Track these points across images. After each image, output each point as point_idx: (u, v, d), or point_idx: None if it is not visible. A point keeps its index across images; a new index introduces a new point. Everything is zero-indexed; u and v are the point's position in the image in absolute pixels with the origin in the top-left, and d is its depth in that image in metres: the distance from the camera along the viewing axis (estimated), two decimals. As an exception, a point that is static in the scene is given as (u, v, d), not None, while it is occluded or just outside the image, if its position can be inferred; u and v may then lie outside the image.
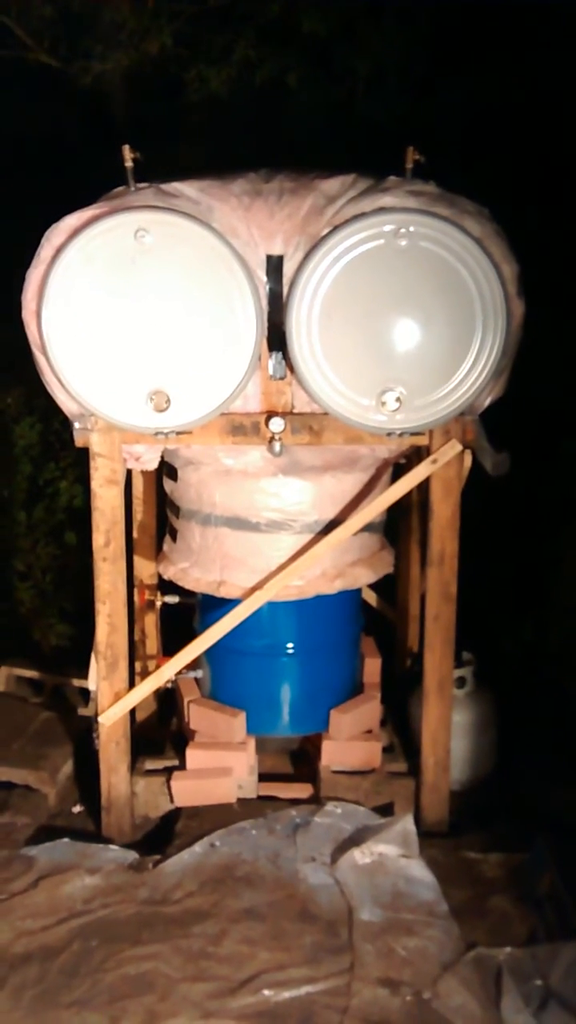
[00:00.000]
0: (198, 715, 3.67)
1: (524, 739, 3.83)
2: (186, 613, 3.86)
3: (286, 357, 3.13)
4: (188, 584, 3.60)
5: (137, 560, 3.92)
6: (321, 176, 3.10)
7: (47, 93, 4.84)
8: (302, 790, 3.62)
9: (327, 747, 3.61)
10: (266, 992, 2.68)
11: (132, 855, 3.25)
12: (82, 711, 4.09)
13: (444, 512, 3.30)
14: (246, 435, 3.22)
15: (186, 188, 3.08)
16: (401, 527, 4.04)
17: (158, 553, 3.86)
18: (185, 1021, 2.60)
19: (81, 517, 4.18)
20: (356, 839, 3.21)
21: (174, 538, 3.69)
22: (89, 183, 3.22)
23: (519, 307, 3.10)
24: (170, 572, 3.67)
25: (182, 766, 3.59)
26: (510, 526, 4.29)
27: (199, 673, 3.73)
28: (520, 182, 3.97)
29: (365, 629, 3.91)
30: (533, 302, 3.13)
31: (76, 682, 4.14)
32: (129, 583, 3.50)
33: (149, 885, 3.10)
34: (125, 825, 3.50)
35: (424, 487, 3.36)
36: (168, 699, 4.02)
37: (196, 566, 3.58)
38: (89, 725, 3.65)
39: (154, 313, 3.04)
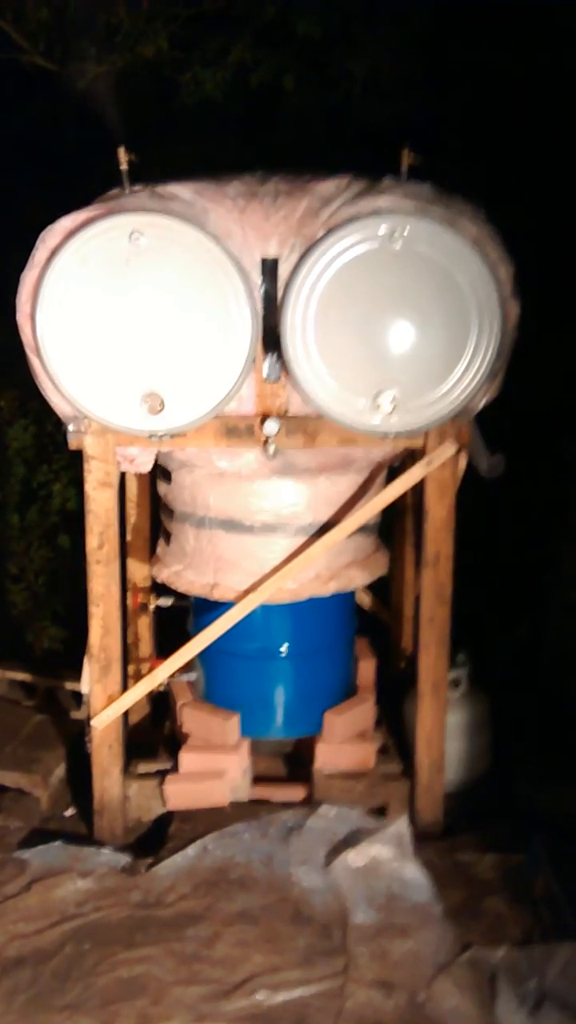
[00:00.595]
0: (191, 718, 3.66)
1: (519, 740, 3.83)
2: (180, 616, 3.85)
3: (281, 359, 3.13)
4: (182, 587, 3.60)
5: (131, 563, 3.91)
6: (316, 178, 3.11)
7: (42, 96, 4.84)
8: (296, 793, 3.61)
9: (321, 749, 3.60)
10: (260, 995, 2.67)
11: (125, 858, 3.24)
12: (75, 714, 4.08)
13: (439, 514, 3.30)
14: (240, 437, 3.22)
15: (181, 190, 3.08)
16: (396, 529, 4.04)
17: (152, 556, 3.85)
18: (178, 1024, 2.59)
19: (75, 520, 4.18)
20: (350, 841, 3.20)
21: (168, 541, 3.69)
22: (84, 185, 3.22)
23: (514, 308, 3.11)
24: (164, 575, 3.66)
25: (175, 769, 3.59)
26: (504, 528, 4.30)
27: (192, 676, 3.72)
28: (516, 184, 3.98)
29: (359, 631, 3.91)
30: (528, 304, 3.14)
31: (69, 685, 4.13)
32: (122, 586, 3.49)
33: (142, 888, 3.09)
34: (118, 828, 3.49)
35: (419, 489, 3.36)
36: (161, 702, 4.01)
37: (190, 569, 3.58)
38: (82, 728, 3.64)
39: (148, 315, 3.04)
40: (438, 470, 3.26)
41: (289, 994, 2.67)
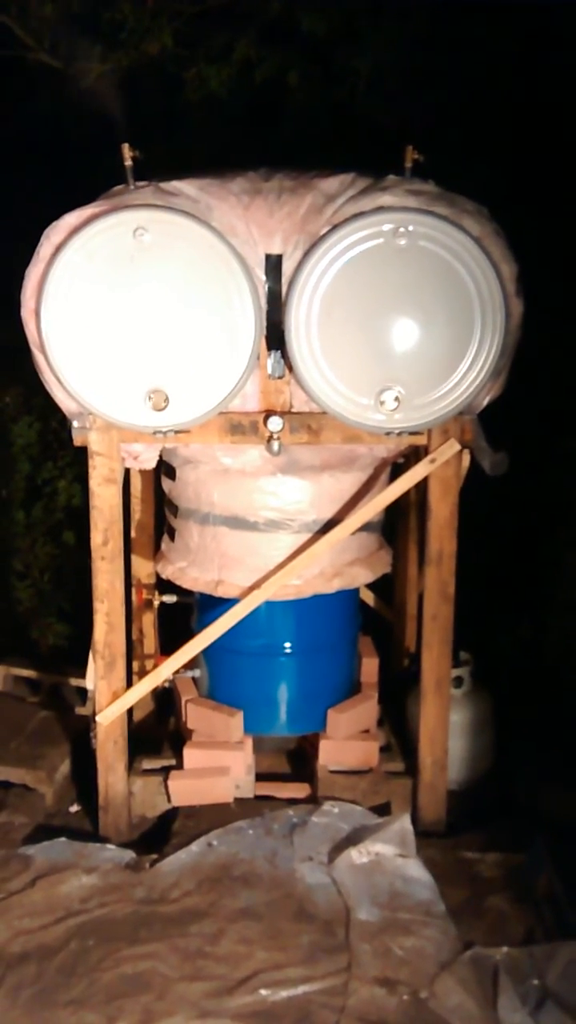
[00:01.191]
0: (195, 714, 3.67)
1: (522, 739, 3.83)
2: (184, 612, 3.86)
3: (285, 356, 3.13)
4: (186, 583, 3.60)
5: (135, 559, 3.92)
6: (320, 175, 3.11)
7: (47, 93, 4.84)
8: (299, 790, 3.62)
9: (324, 747, 3.61)
10: (263, 991, 2.68)
11: (129, 854, 3.25)
12: (80, 710, 4.08)
13: (442, 511, 3.30)
14: (244, 434, 3.22)
15: (185, 187, 3.08)
16: (399, 527, 4.04)
17: (156, 552, 3.86)
18: (182, 1020, 2.59)
19: (79, 516, 4.18)
20: (353, 839, 3.21)
21: (172, 537, 3.69)
22: (89, 182, 3.22)
23: (518, 306, 3.10)
24: (168, 571, 3.66)
25: (179, 765, 3.59)
26: (508, 525, 4.29)
27: (197, 672, 3.73)
28: (520, 181, 3.97)
29: (363, 628, 3.91)
30: (532, 302, 3.13)
31: (74, 681, 4.14)
32: (127, 582, 3.50)
33: (146, 884, 3.09)
34: (122, 824, 3.50)
35: (422, 486, 3.36)
36: (166, 698, 4.02)
37: (194, 565, 3.58)
38: (87, 724, 3.64)
39: (153, 311, 3.04)
40: (442, 468, 3.25)
41: (292, 991, 2.68)
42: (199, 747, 3.59)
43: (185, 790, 3.53)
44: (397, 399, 3.10)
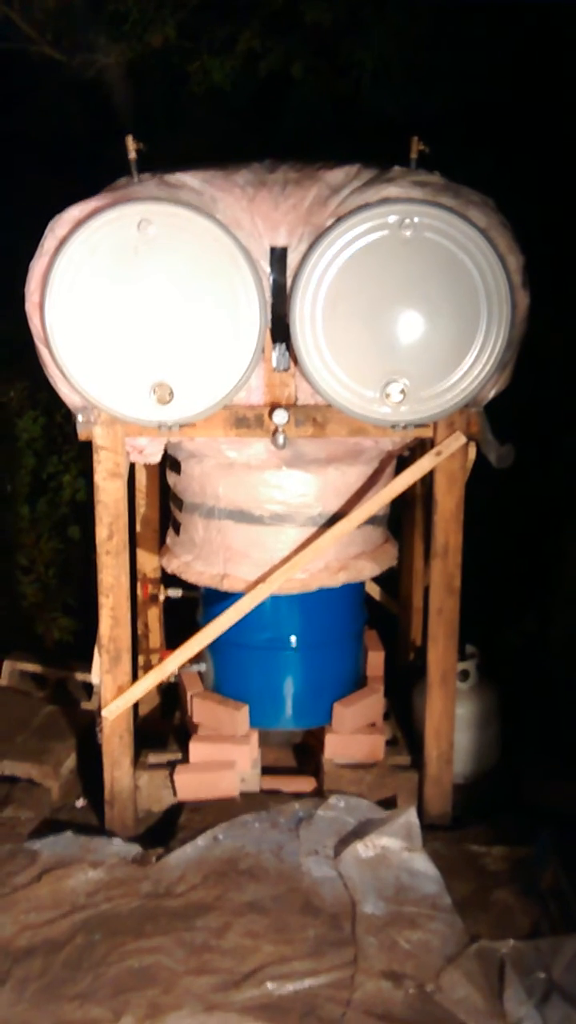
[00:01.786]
0: (201, 709, 3.67)
1: (528, 732, 3.82)
2: (189, 607, 3.85)
3: (290, 349, 3.12)
4: (191, 577, 3.60)
5: (140, 554, 3.91)
6: (325, 166, 3.09)
7: (50, 86, 4.83)
8: (305, 783, 3.62)
9: (330, 740, 3.60)
10: (269, 985, 2.68)
11: (135, 848, 3.25)
12: (85, 705, 4.09)
13: (448, 504, 3.29)
14: (249, 427, 3.21)
15: (189, 179, 3.07)
16: (405, 520, 4.03)
17: (161, 546, 3.85)
18: (188, 1014, 2.59)
19: (84, 511, 4.18)
20: (359, 832, 3.21)
21: (177, 531, 3.69)
22: (93, 175, 3.22)
23: (524, 298, 3.09)
24: (173, 565, 3.66)
25: (185, 760, 3.59)
26: (514, 519, 4.28)
27: (202, 667, 3.73)
28: (525, 173, 3.95)
29: (368, 622, 3.90)
30: (538, 294, 3.12)
31: (79, 676, 4.14)
32: (132, 577, 3.49)
33: (152, 878, 3.09)
34: (128, 819, 3.50)
35: (428, 479, 3.35)
36: (171, 693, 4.02)
37: (199, 559, 3.57)
38: (92, 719, 3.64)
39: (157, 305, 3.03)
40: (447, 461, 3.24)
41: (299, 984, 2.68)
42: (205, 741, 3.59)
43: (191, 784, 3.53)
44: (403, 392, 3.09)
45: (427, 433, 3.24)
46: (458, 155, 3.19)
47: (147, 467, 3.81)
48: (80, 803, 3.73)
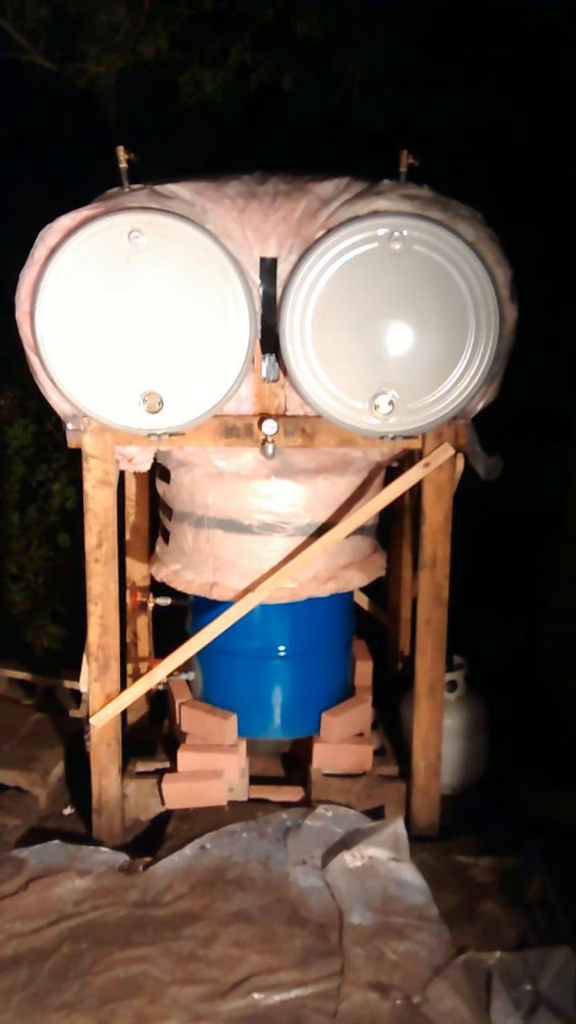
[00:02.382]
0: (189, 717, 3.67)
1: (515, 743, 3.83)
2: (178, 615, 3.85)
3: (279, 359, 3.13)
4: (180, 586, 3.60)
5: (129, 562, 3.91)
6: (315, 179, 3.11)
7: (42, 95, 4.84)
8: (293, 793, 3.62)
9: (318, 750, 3.61)
10: (256, 995, 2.67)
11: (122, 857, 3.24)
12: (74, 713, 4.08)
13: (436, 516, 3.30)
14: (239, 437, 3.22)
15: (180, 190, 3.08)
16: (393, 530, 4.04)
17: (150, 555, 3.85)
18: (174, 1024, 2.59)
19: (74, 519, 4.18)
20: (347, 842, 3.21)
21: (166, 540, 3.69)
22: (84, 184, 3.23)
23: (512, 311, 3.11)
24: (162, 574, 3.66)
25: (173, 768, 3.59)
26: (502, 530, 4.30)
27: (191, 675, 3.73)
28: (514, 186, 3.98)
29: (357, 632, 3.91)
30: (525, 307, 3.14)
31: (68, 684, 4.13)
32: (121, 585, 3.49)
33: (139, 887, 3.09)
34: (116, 827, 3.50)
35: (416, 490, 3.36)
36: (160, 701, 4.02)
37: (188, 568, 3.58)
38: (80, 727, 3.64)
39: (147, 314, 3.04)
40: (436, 472, 3.26)
41: (285, 995, 2.67)
42: (193, 750, 3.59)
43: (179, 793, 3.53)
44: (391, 403, 3.11)
45: (415, 444, 3.26)
46: (447, 168, 3.21)
47: (137, 475, 3.82)
48: (68, 811, 3.72)
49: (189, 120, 4.46)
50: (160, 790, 3.53)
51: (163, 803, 3.54)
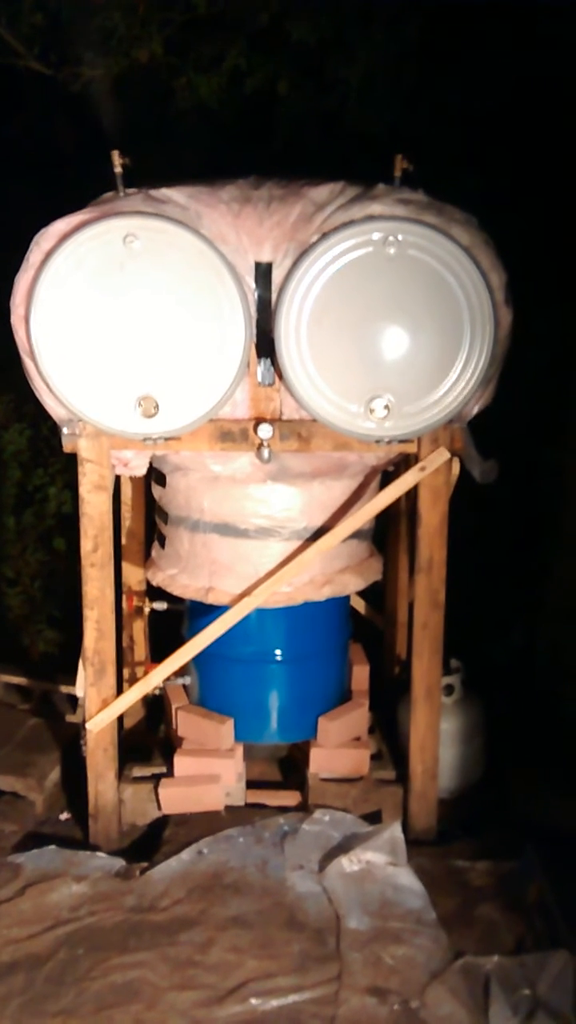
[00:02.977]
0: (186, 722, 3.66)
1: (513, 747, 3.83)
2: (174, 620, 3.85)
3: (275, 364, 3.13)
4: (176, 590, 3.60)
5: (125, 566, 3.91)
6: (310, 183, 3.11)
7: (37, 100, 4.84)
8: (290, 797, 3.61)
9: (315, 754, 3.60)
10: (253, 1001, 2.67)
11: (119, 862, 3.24)
12: (70, 718, 4.08)
13: (432, 519, 3.30)
14: (235, 441, 3.22)
15: (175, 194, 3.08)
16: (389, 534, 4.04)
17: (146, 559, 3.85)
18: (171, 1030, 2.59)
19: (70, 523, 4.18)
20: (344, 847, 3.21)
21: (163, 544, 3.69)
22: (79, 189, 3.23)
23: (507, 315, 3.11)
24: (158, 578, 3.66)
25: (170, 773, 3.58)
26: (499, 533, 4.30)
27: (187, 680, 3.72)
28: (509, 190, 3.98)
29: (353, 636, 3.91)
30: (521, 310, 3.14)
31: (64, 688, 4.13)
32: (117, 589, 3.49)
33: (136, 893, 3.08)
34: (112, 832, 3.49)
35: (412, 494, 3.36)
36: (156, 706, 4.01)
37: (184, 572, 3.58)
38: (77, 732, 3.64)
39: (142, 318, 3.04)
40: (431, 476, 3.26)
41: (283, 1000, 2.67)
42: (189, 755, 3.58)
43: (175, 798, 3.52)
44: (387, 407, 3.11)
45: (411, 448, 3.26)
46: (442, 173, 3.21)
47: (133, 480, 3.81)
48: (64, 816, 3.71)
49: (184, 125, 4.45)
50: (157, 795, 3.53)
51: (160, 808, 3.54)
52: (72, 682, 3.66)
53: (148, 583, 3.83)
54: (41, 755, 3.88)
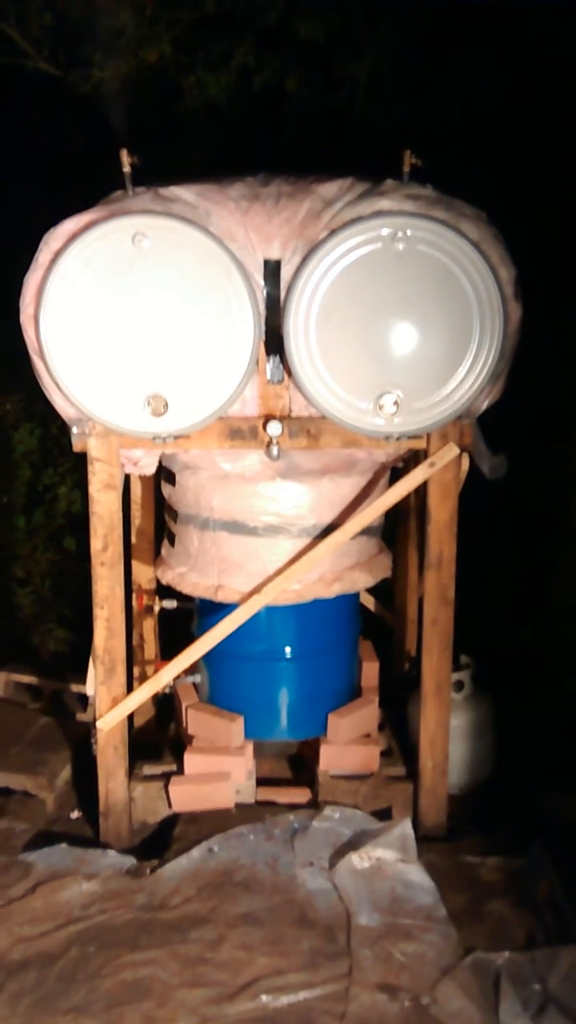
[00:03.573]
0: (196, 720, 3.67)
1: (522, 743, 3.82)
2: (184, 618, 3.86)
3: (284, 361, 3.13)
4: (186, 589, 3.60)
5: (135, 565, 3.92)
6: (318, 180, 3.11)
7: (47, 100, 4.86)
8: (300, 794, 3.61)
9: (325, 751, 3.60)
10: (264, 998, 2.67)
11: (130, 860, 3.24)
12: (80, 716, 4.09)
13: (442, 515, 3.30)
14: (244, 439, 3.22)
15: (184, 192, 3.09)
16: (399, 531, 4.04)
17: (156, 558, 3.86)
18: (182, 1027, 2.59)
19: (80, 522, 4.18)
20: (354, 843, 3.21)
21: (172, 543, 3.69)
22: (88, 188, 3.23)
23: (516, 310, 3.11)
24: (168, 577, 3.66)
25: (180, 771, 3.59)
26: (507, 529, 4.29)
27: (197, 678, 3.73)
28: (517, 185, 3.98)
29: (363, 633, 3.91)
30: (530, 305, 3.13)
31: (75, 687, 4.14)
32: (127, 588, 3.50)
33: (147, 891, 3.09)
34: (123, 830, 3.50)
35: (422, 491, 3.36)
36: (166, 704, 4.02)
37: (194, 570, 3.58)
38: (87, 730, 3.64)
39: (152, 317, 3.05)
40: (441, 472, 3.25)
41: (293, 997, 2.67)
42: (200, 752, 3.59)
43: (186, 796, 3.52)
44: (396, 403, 3.11)
45: (420, 444, 3.26)
46: (451, 168, 3.21)
47: (142, 479, 3.82)
48: (75, 815, 3.72)
49: (193, 123, 4.46)
50: (167, 793, 3.53)
51: (170, 806, 3.54)
52: (82, 681, 3.67)
53: (158, 581, 3.83)
54: (52, 754, 3.89)
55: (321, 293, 3.03)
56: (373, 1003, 2.64)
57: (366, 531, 3.51)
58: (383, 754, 3.68)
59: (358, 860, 3.12)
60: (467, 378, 3.09)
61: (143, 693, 3.49)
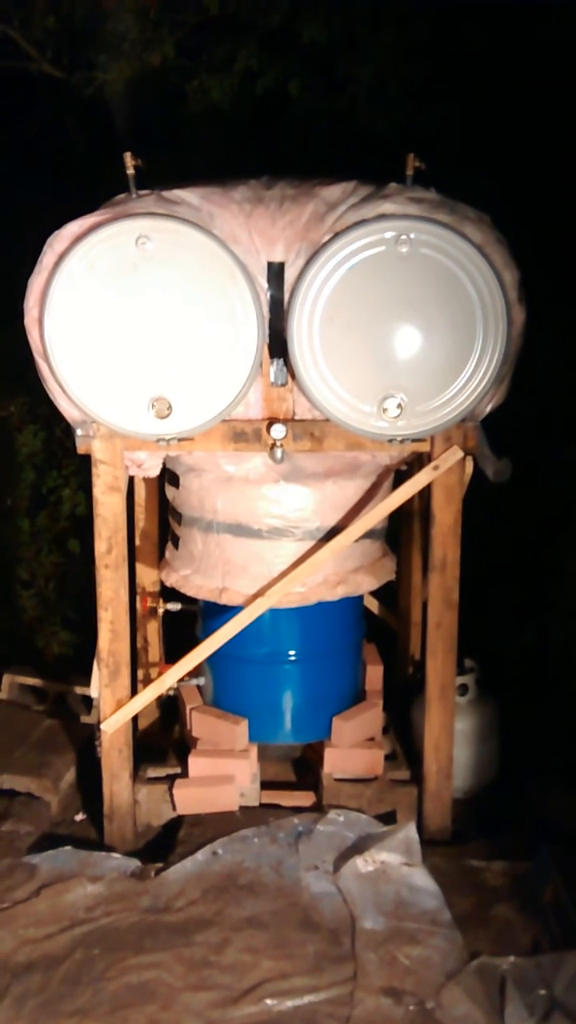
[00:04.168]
0: (200, 722, 3.66)
1: (527, 746, 3.82)
2: (188, 620, 3.86)
3: (287, 364, 3.13)
4: (190, 591, 3.60)
5: (139, 567, 3.92)
6: (322, 183, 3.11)
7: (50, 103, 4.87)
8: (304, 798, 3.61)
9: (329, 754, 3.60)
10: (269, 1001, 2.67)
11: (134, 863, 3.24)
12: (85, 719, 4.09)
13: (446, 519, 3.29)
14: (248, 442, 3.23)
15: (188, 195, 3.09)
16: (403, 534, 4.03)
17: (160, 560, 3.86)
18: (187, 1030, 2.59)
19: (84, 525, 4.19)
20: (359, 847, 3.20)
21: (176, 545, 3.69)
22: (91, 191, 3.24)
23: (520, 314, 3.10)
24: (172, 579, 3.66)
25: (184, 774, 3.59)
26: (512, 532, 4.29)
27: (201, 680, 3.73)
28: (521, 188, 3.97)
29: (367, 636, 3.90)
30: (534, 309, 3.13)
31: (79, 690, 4.14)
32: (131, 590, 3.50)
33: (151, 893, 3.09)
34: (127, 833, 3.50)
35: (426, 494, 3.36)
36: (170, 707, 4.02)
37: (198, 573, 3.58)
38: (92, 733, 3.64)
39: (156, 319, 3.05)
40: (445, 475, 3.25)
41: (298, 1001, 2.67)
42: (204, 755, 3.59)
43: (190, 798, 3.52)
44: (400, 406, 3.10)
45: (424, 447, 3.25)
46: (454, 171, 3.20)
47: (146, 481, 3.82)
48: (79, 817, 3.72)
49: (196, 126, 4.47)
50: (171, 796, 3.53)
51: (174, 809, 3.54)
52: (87, 683, 3.67)
53: (162, 584, 3.84)
54: (56, 756, 3.89)
55: (325, 296, 3.03)
56: (378, 1007, 2.64)
57: (370, 534, 3.50)
58: (387, 758, 3.67)
59: (362, 864, 3.11)
60: (471, 381, 3.09)
61: (147, 696, 3.49)
